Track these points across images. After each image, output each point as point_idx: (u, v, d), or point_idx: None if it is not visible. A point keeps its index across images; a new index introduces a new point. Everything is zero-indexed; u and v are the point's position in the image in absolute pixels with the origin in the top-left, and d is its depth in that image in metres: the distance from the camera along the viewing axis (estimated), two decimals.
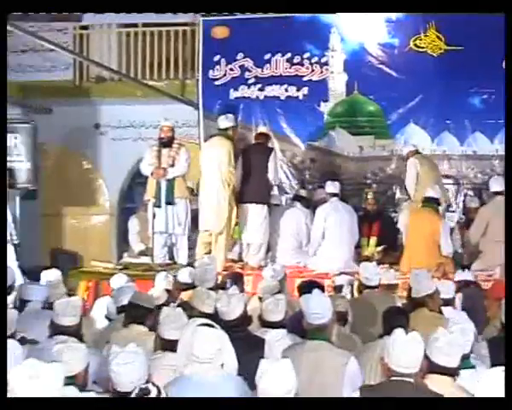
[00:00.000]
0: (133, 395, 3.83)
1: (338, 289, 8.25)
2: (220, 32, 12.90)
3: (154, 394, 3.81)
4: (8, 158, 14.92)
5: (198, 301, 6.50)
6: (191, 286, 7.67)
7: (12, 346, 4.77)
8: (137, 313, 6.66)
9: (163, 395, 3.86)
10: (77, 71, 14.99)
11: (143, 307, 6.65)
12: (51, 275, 8.80)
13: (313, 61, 12.83)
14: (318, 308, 5.33)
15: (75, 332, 6.04)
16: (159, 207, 10.91)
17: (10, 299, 8.13)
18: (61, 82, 14.83)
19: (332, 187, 10.85)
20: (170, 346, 5.42)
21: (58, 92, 14.61)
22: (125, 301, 6.95)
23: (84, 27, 15.20)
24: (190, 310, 6.19)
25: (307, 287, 6.99)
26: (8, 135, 14.89)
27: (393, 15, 12.44)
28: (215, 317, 5.81)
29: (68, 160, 14.73)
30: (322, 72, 12.84)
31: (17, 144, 14.88)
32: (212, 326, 4.79)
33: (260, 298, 7.20)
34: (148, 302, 6.78)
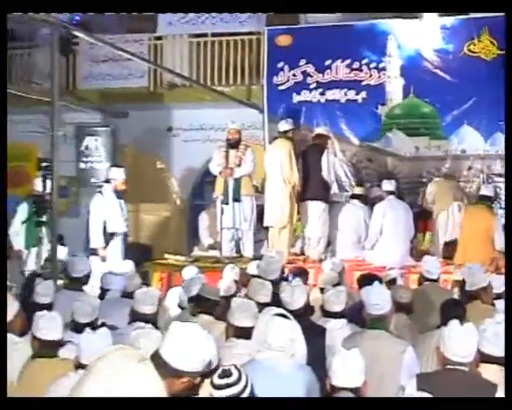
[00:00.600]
0: (215, 376, 3.67)
1: (392, 282, 8.20)
2: (284, 41, 12.91)
3: (235, 376, 3.64)
4: (90, 158, 15.23)
5: (252, 292, 6.53)
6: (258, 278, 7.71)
7: (103, 332, 4.88)
8: (205, 304, 6.73)
9: (243, 378, 3.68)
10: (151, 78, 15.16)
11: (210, 299, 6.73)
12: (127, 266, 8.96)
13: (371, 66, 12.76)
14: (378, 300, 5.35)
15: (152, 319, 6.19)
16: (226, 204, 11.00)
17: (87, 288, 8.31)
18: (137, 88, 15.01)
19: (389, 185, 10.82)
20: (241, 333, 5.42)
21: (134, 98, 14.79)
22: (195, 292, 7.02)
23: (158, 38, 15.34)
24: None
25: (366, 279, 7.01)
26: (90, 137, 15.23)
27: (448, 22, 12.31)
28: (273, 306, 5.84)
29: (143, 160, 14.88)
30: (379, 76, 12.76)
31: (97, 146, 15.16)
32: (287, 317, 4.76)
33: (322, 289, 7.22)
34: (214, 295, 6.84)
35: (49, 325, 5.36)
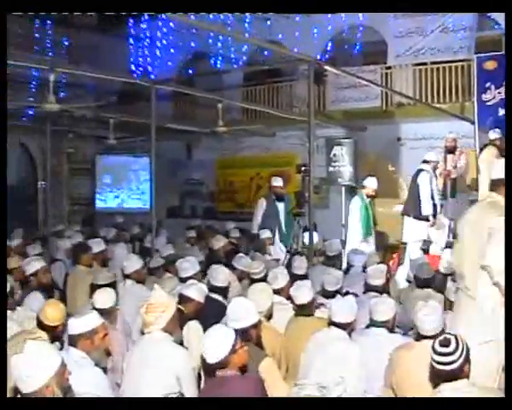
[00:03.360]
0: (437, 343, 3.51)
1: None
2: (490, 65, 12.55)
3: (453, 345, 3.47)
4: (337, 163, 15.57)
5: None
6: None
7: (349, 298, 5.12)
8: (426, 279, 6.84)
9: (460, 344, 3.48)
10: (383, 99, 15.26)
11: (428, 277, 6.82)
12: (364, 247, 9.14)
13: None
14: None
15: (382, 290, 6.27)
16: (445, 199, 10.98)
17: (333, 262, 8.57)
18: (372, 108, 15.18)
19: None
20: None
21: (370, 115, 14.96)
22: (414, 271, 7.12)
23: (388, 68, 15.42)
24: None
25: None
26: (337, 147, 15.46)
27: None
28: None
29: (378, 164, 15.02)
30: None
31: (343, 154, 15.37)
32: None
33: None
34: (427, 274, 6.87)
35: (303, 291, 5.58)
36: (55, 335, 4.84)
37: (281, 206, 11.15)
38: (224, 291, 6.23)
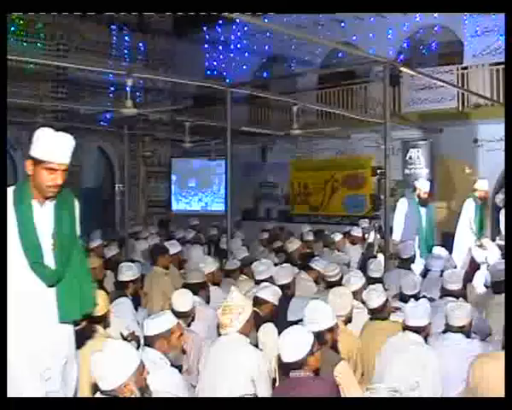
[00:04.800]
0: None
1: None
2: None
3: None
4: (413, 166, 15.42)
5: None
6: None
7: (423, 302, 5.04)
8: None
9: None
10: (460, 100, 14.96)
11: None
12: (442, 251, 8.98)
13: None
14: None
15: (459, 295, 6.12)
16: None
17: (414, 266, 8.51)
18: (448, 109, 14.89)
19: None
20: None
21: (446, 117, 14.68)
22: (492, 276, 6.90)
23: (464, 68, 15.11)
24: None
25: None
26: (413, 149, 15.41)
27: None
28: None
29: (455, 166, 14.77)
30: None
31: (419, 156, 15.30)
32: None
33: None
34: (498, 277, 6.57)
35: (374, 295, 5.57)
36: (104, 324, 4.96)
37: (423, 211, 9.94)
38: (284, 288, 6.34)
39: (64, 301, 3.76)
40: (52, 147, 3.59)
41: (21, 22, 16.88)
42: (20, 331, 3.64)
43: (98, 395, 3.39)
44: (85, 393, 4.15)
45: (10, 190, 3.67)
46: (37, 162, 3.61)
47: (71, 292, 3.79)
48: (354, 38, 16.62)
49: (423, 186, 9.94)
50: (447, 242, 10.50)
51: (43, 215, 3.72)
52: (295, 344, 3.88)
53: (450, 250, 9.33)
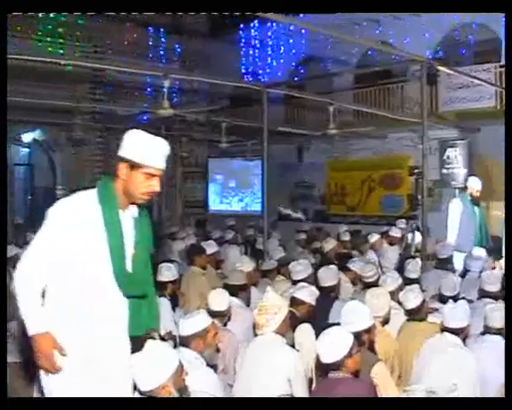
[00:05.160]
0: None
1: None
2: None
3: None
4: (450, 166, 15.26)
5: None
6: None
7: (462, 303, 4.96)
8: None
9: None
10: (498, 99, 14.76)
11: None
12: (481, 252, 8.80)
13: None
14: None
15: (497, 296, 6.00)
16: None
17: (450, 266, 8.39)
18: (486, 108, 14.69)
19: None
20: None
21: (484, 116, 14.48)
22: None
23: (502, 66, 14.89)
24: None
25: None
26: (450, 149, 15.25)
27: None
28: None
29: (493, 166, 14.56)
30: None
31: (456, 155, 15.14)
32: None
33: None
34: None
35: (410, 296, 5.52)
36: None
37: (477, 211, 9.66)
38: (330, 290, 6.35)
39: (136, 315, 3.51)
40: (152, 151, 3.34)
41: (60, 24, 17.13)
42: (86, 337, 3.34)
43: (137, 394, 3.41)
44: None
45: (93, 193, 3.39)
46: (133, 166, 3.34)
47: (143, 307, 3.57)
48: (391, 38, 16.50)
49: (476, 185, 9.62)
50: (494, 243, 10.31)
51: (125, 222, 3.46)
52: (334, 345, 3.87)
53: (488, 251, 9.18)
